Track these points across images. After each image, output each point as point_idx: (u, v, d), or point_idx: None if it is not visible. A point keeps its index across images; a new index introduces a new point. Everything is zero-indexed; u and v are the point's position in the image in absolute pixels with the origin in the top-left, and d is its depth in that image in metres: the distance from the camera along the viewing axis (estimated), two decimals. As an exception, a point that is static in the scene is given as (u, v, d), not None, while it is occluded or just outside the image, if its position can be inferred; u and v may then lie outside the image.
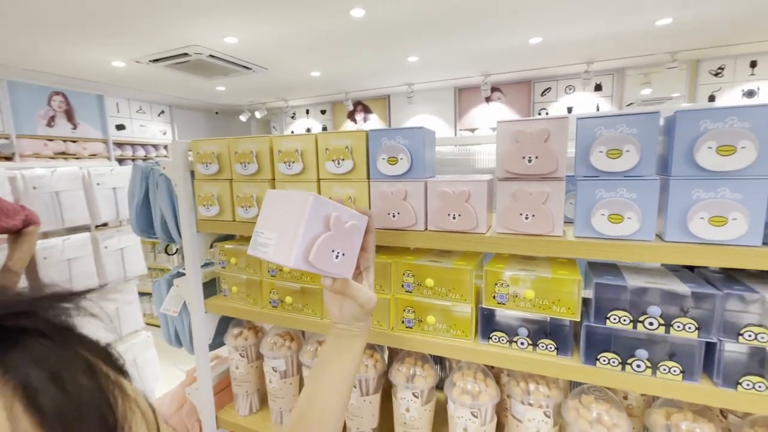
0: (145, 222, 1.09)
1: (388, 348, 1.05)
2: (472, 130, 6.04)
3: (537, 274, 0.70)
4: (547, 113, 5.70)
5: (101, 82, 5.03)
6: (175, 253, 1.23)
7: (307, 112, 7.21)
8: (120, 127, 5.87)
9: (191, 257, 0.99)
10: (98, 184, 2.04)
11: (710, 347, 0.61)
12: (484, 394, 0.77)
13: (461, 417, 0.77)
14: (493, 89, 5.78)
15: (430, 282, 0.77)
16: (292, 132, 7.31)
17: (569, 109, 5.62)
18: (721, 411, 0.76)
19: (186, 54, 4.01)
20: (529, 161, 0.65)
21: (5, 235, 1.56)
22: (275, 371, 0.98)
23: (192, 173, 0.98)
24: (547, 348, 0.71)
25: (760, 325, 0.57)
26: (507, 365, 0.73)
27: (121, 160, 5.81)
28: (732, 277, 0.66)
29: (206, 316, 1.04)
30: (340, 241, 0.50)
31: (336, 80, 5.59)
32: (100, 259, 2.08)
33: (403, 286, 0.80)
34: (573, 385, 0.83)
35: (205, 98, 6.50)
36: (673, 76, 4.90)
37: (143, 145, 6.19)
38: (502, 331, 0.74)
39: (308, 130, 7.19)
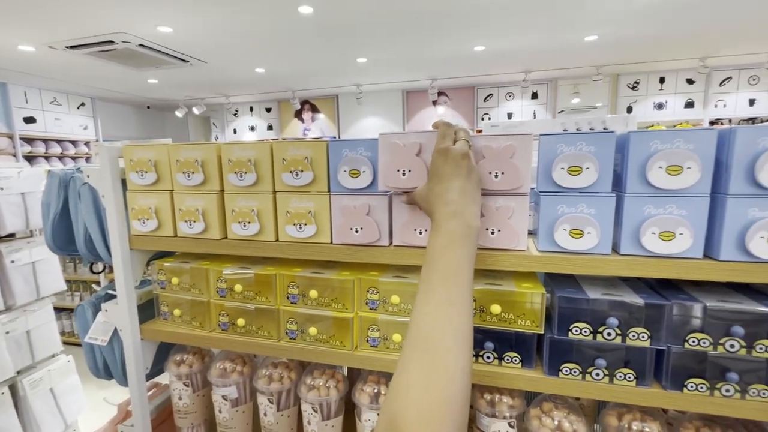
0: (64, 238, 0.94)
1: (347, 368, 1.01)
2: (420, 133, 6.16)
3: (502, 287, 0.70)
4: (489, 118, 5.99)
5: (4, 68, 4.37)
6: (102, 271, 1.07)
7: (251, 109, 6.88)
8: (29, 120, 5.15)
9: (123, 278, 0.87)
10: (2, 189, 1.75)
11: (659, 353, 0.65)
12: (450, 409, 0.76)
13: (428, 435, 0.75)
14: (440, 93, 5.94)
15: (395, 299, 0.74)
16: (235, 131, 6.93)
17: (509, 115, 5.95)
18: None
19: (111, 41, 3.62)
20: (495, 176, 0.65)
21: None
22: (226, 400, 0.90)
23: (123, 182, 0.86)
24: (512, 360, 0.71)
25: (701, 331, 0.62)
26: (475, 380, 0.72)
27: (31, 158, 5.11)
28: (674, 285, 0.72)
29: (142, 344, 0.92)
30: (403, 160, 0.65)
31: (282, 78, 5.39)
32: (5, 275, 1.78)
33: (367, 303, 0.77)
34: (531, 393, 0.85)
35: (135, 91, 5.93)
36: (598, 87, 5.41)
37: (59, 141, 5.50)
38: (468, 346, 0.73)
39: (252, 128, 6.86)
